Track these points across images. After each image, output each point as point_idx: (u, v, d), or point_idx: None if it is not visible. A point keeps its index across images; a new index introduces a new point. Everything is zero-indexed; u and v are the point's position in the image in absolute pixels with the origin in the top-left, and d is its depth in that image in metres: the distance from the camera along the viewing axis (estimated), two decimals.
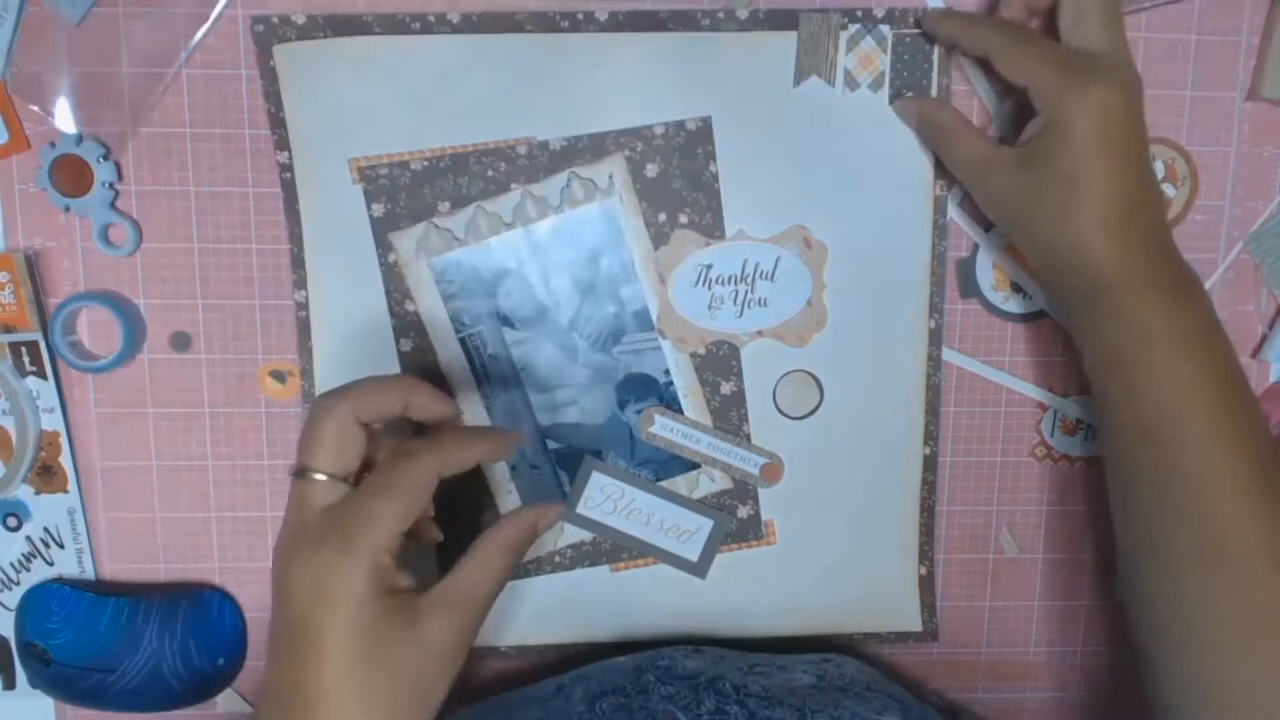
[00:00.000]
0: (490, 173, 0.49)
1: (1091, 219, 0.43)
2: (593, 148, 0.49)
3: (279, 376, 0.51)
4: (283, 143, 0.48)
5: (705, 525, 0.52)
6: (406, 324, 0.50)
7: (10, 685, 0.53)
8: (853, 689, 0.46)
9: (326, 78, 0.48)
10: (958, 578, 0.55)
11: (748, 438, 0.52)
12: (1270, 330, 0.54)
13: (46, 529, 0.52)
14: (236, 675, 0.53)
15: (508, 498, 0.52)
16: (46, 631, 0.51)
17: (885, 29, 0.49)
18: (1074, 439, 0.54)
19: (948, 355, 0.53)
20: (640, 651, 0.50)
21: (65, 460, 0.51)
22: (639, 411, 0.52)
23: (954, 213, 0.51)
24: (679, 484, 0.53)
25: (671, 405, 0.52)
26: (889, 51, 0.49)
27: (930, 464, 0.53)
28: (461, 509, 0.52)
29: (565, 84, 0.48)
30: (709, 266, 0.50)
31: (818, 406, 0.52)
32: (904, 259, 0.51)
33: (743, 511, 0.53)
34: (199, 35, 0.48)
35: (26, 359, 0.49)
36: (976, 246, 0.52)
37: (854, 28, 0.49)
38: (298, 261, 0.50)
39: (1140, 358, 0.43)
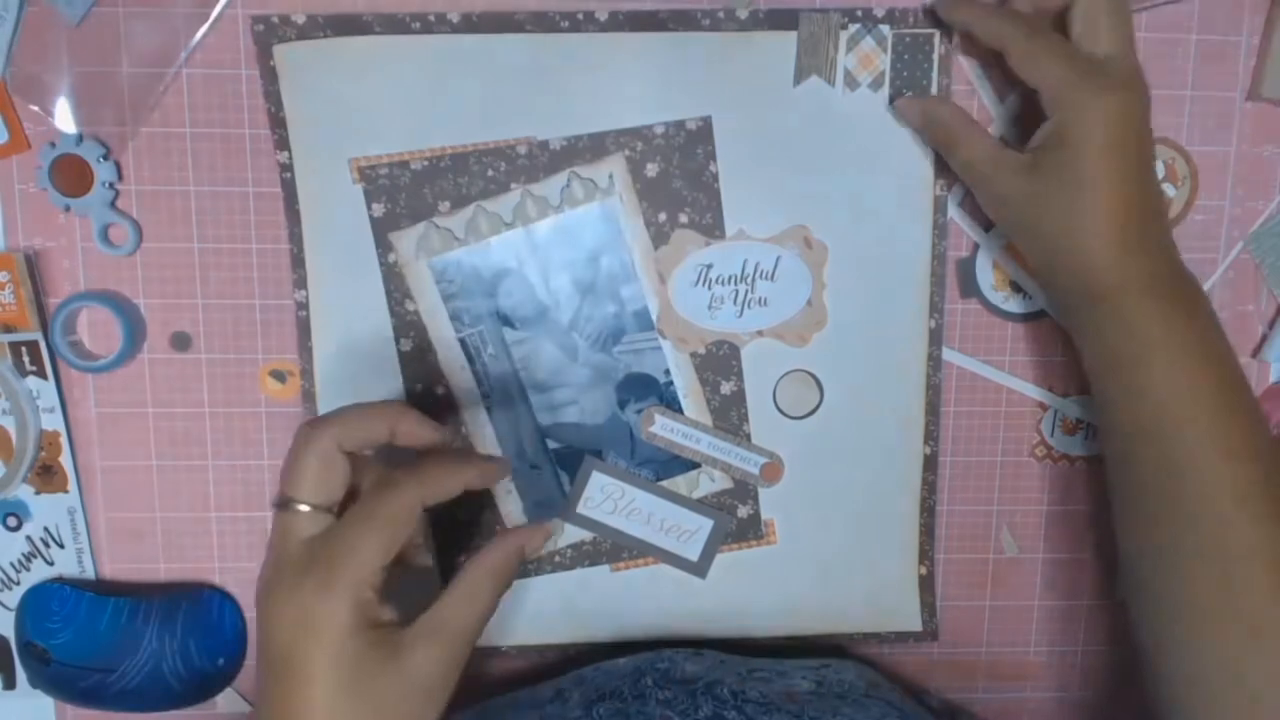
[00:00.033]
0: (490, 172, 0.49)
1: (1097, 225, 0.43)
2: (593, 147, 0.49)
3: (279, 376, 0.51)
4: (283, 142, 0.48)
5: (705, 525, 0.52)
6: (406, 324, 0.50)
7: (10, 685, 0.53)
8: (851, 695, 0.46)
9: (326, 77, 0.48)
10: (958, 577, 0.55)
11: (748, 437, 0.52)
12: (1270, 330, 0.54)
13: (46, 529, 0.52)
14: (236, 675, 0.53)
15: (508, 497, 0.52)
16: (47, 631, 0.51)
17: (885, 29, 0.49)
18: (1074, 439, 0.54)
19: (948, 355, 0.53)
20: (640, 652, 0.50)
21: (65, 460, 0.51)
22: (639, 411, 0.52)
23: (954, 212, 0.51)
24: (679, 484, 0.53)
25: (671, 405, 0.52)
26: (889, 51, 0.49)
27: (930, 464, 0.53)
28: (461, 509, 0.52)
29: (565, 84, 0.48)
30: (709, 266, 0.50)
31: (818, 406, 0.52)
32: (904, 259, 0.51)
33: (743, 511, 0.53)
34: (199, 35, 0.48)
35: (27, 359, 0.49)
36: (976, 246, 0.52)
37: (854, 27, 0.49)
38: (298, 261, 0.50)
39: (1140, 360, 0.44)
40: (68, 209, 0.48)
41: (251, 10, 0.47)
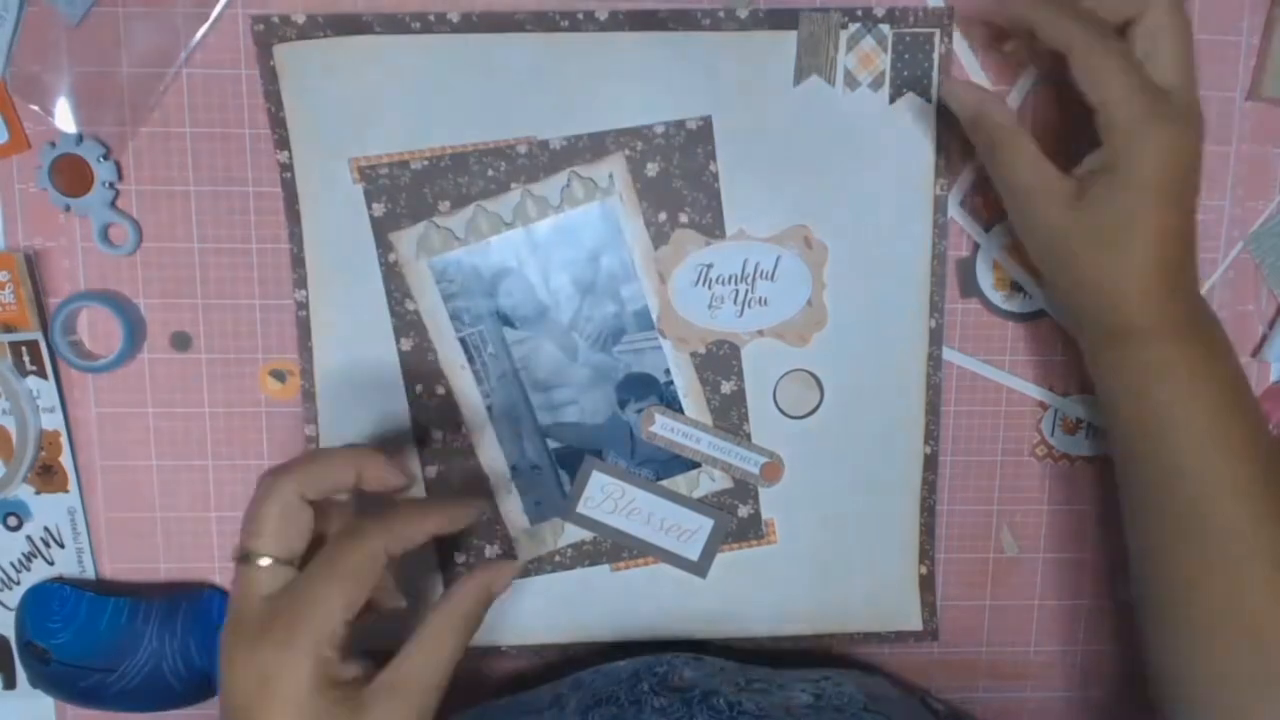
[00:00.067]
0: (490, 172, 0.49)
1: (1137, 266, 0.42)
2: (593, 147, 0.49)
3: (279, 376, 0.51)
4: (283, 142, 0.48)
5: (705, 525, 0.52)
6: (407, 323, 0.50)
7: (10, 685, 0.53)
8: (850, 709, 0.46)
9: (327, 77, 0.48)
10: (958, 577, 0.55)
11: (748, 437, 0.52)
12: (1270, 330, 0.54)
13: (47, 528, 0.52)
14: None
15: (508, 497, 0.52)
16: (47, 631, 0.51)
17: (885, 28, 0.49)
18: (1074, 438, 0.54)
19: (948, 354, 0.53)
20: (641, 652, 0.50)
21: (65, 460, 0.51)
22: (639, 411, 0.52)
23: (954, 212, 0.51)
24: (679, 483, 0.53)
25: (671, 405, 0.52)
26: (889, 51, 0.49)
27: (930, 463, 0.53)
28: None
29: (565, 83, 0.48)
30: (709, 266, 0.50)
31: (818, 406, 0.52)
32: (904, 258, 0.51)
33: (743, 511, 0.53)
34: (199, 35, 0.48)
35: (27, 358, 0.49)
36: (977, 246, 0.52)
37: (854, 27, 0.49)
38: (298, 261, 0.50)
39: (1162, 404, 0.43)
40: (68, 209, 0.48)
41: (251, 10, 0.47)
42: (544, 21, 0.48)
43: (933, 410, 0.53)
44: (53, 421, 0.50)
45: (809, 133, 0.50)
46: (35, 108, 0.48)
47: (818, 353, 0.52)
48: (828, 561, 0.54)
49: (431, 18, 0.47)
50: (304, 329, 0.50)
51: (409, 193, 0.49)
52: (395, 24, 0.47)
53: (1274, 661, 0.41)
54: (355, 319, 0.50)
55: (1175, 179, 0.41)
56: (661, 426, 0.51)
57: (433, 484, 0.52)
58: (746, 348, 0.51)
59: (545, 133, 0.49)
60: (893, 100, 0.49)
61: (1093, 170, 0.42)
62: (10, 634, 0.52)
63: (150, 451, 0.51)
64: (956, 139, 0.50)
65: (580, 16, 0.48)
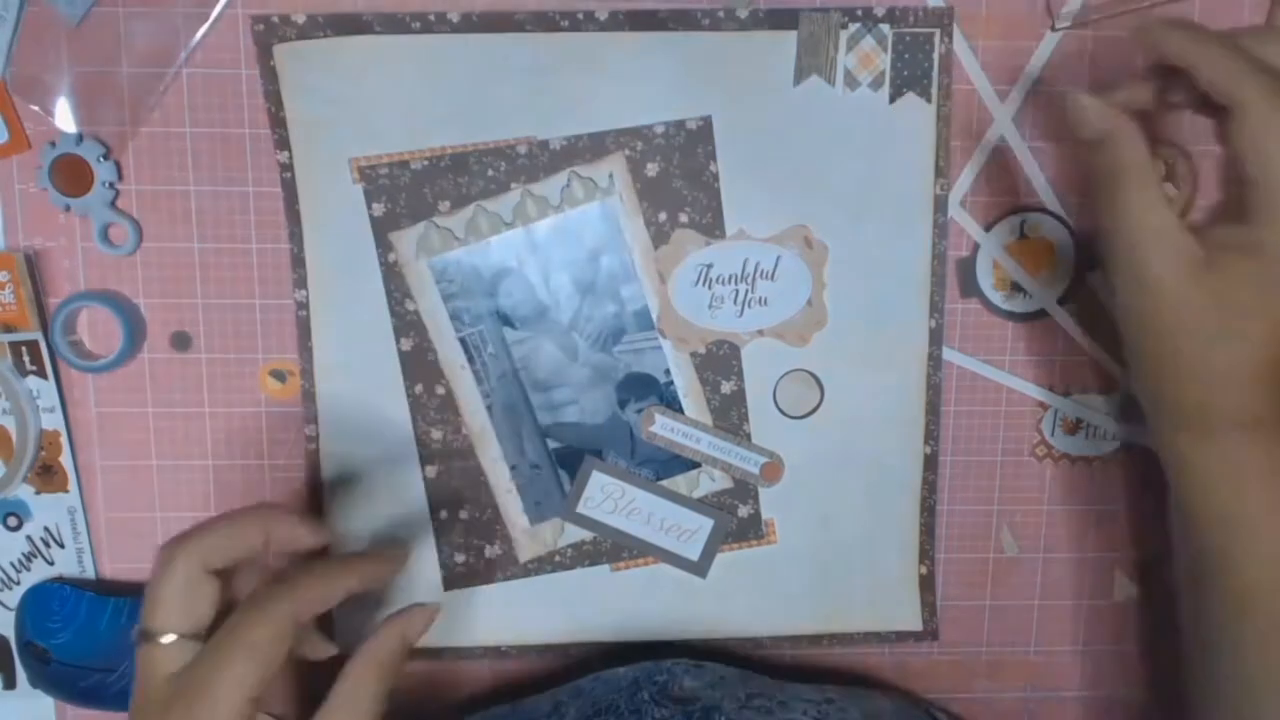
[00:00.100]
0: (490, 172, 0.49)
1: (1260, 356, 0.37)
2: (593, 147, 0.49)
3: (279, 376, 0.51)
4: (283, 142, 0.48)
5: (705, 525, 0.52)
6: (406, 323, 0.50)
7: (10, 685, 0.53)
8: None
9: (327, 77, 0.48)
10: (958, 577, 0.55)
11: (748, 437, 0.52)
12: None
13: (47, 528, 0.52)
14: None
15: (508, 497, 0.52)
16: (47, 631, 0.51)
17: (885, 28, 0.49)
18: (1075, 438, 0.54)
19: (948, 355, 0.53)
20: (641, 654, 0.50)
21: (65, 460, 0.51)
22: (639, 411, 0.52)
23: (954, 212, 0.51)
24: (679, 483, 0.53)
25: (671, 405, 0.52)
26: (889, 51, 0.49)
27: (930, 463, 0.53)
28: (464, 507, 0.52)
29: (565, 83, 0.48)
30: (709, 266, 0.50)
31: (818, 406, 0.52)
32: (904, 258, 0.51)
33: (743, 511, 0.53)
34: (199, 35, 0.48)
35: (27, 358, 0.49)
36: (977, 246, 0.52)
37: (854, 27, 0.49)
38: (298, 261, 0.50)
39: (1258, 498, 0.38)
40: (68, 209, 0.48)
41: (251, 10, 0.47)
42: (544, 21, 0.48)
43: (932, 410, 0.53)
44: (53, 421, 0.50)
45: (809, 133, 0.50)
46: (35, 108, 0.48)
47: (818, 353, 0.52)
48: (827, 561, 0.54)
49: (432, 18, 0.47)
50: (304, 329, 0.50)
51: (409, 193, 0.49)
52: (395, 24, 0.47)
53: None
54: (355, 319, 0.50)
55: None
56: (661, 426, 0.51)
57: (433, 484, 0.52)
58: (746, 348, 0.51)
59: (545, 133, 0.49)
60: (893, 100, 0.49)
61: (1231, 245, 0.37)
62: (10, 634, 0.52)
63: (150, 451, 0.51)
64: (956, 139, 0.50)
65: (580, 16, 0.48)
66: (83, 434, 0.51)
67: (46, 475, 0.51)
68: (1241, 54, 0.36)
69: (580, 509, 0.52)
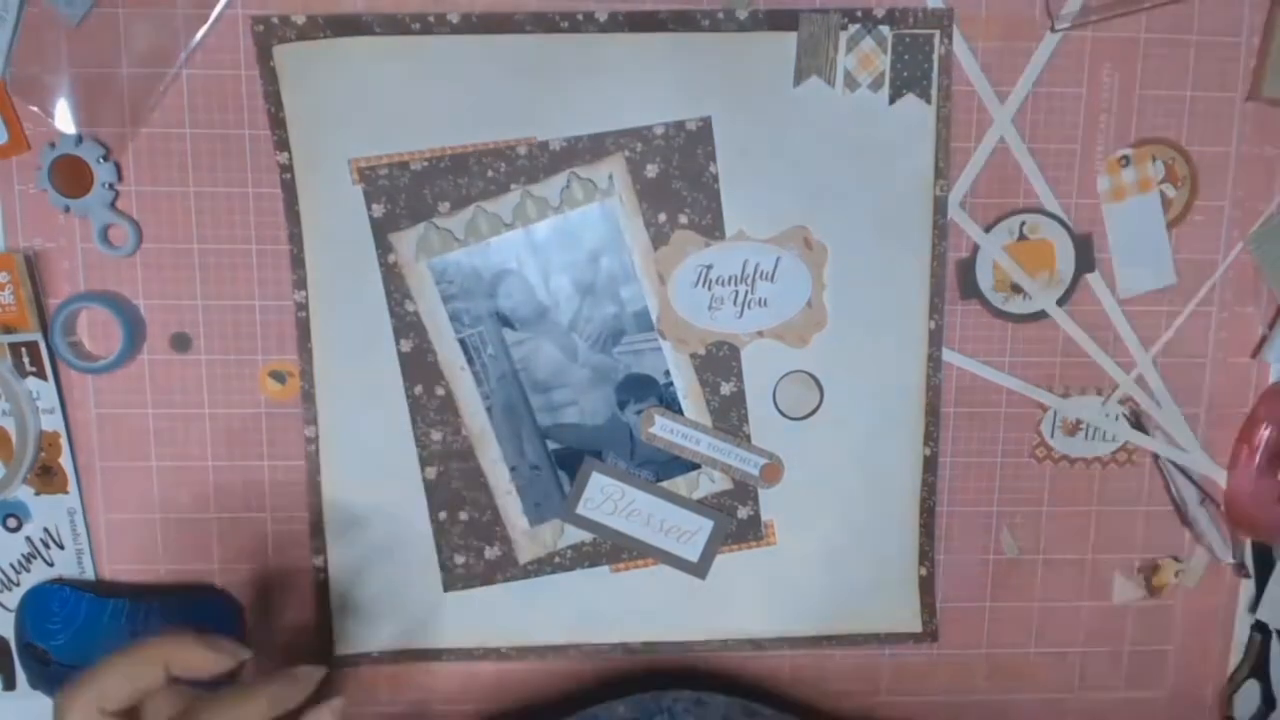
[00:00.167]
0: (490, 173, 0.49)
1: None
2: (592, 148, 0.49)
3: (279, 377, 0.51)
4: (282, 143, 0.48)
5: (705, 526, 0.52)
6: (406, 324, 0.50)
7: (10, 686, 0.53)
8: None
9: (326, 78, 0.48)
10: (958, 578, 0.55)
11: (748, 438, 0.52)
12: (1270, 331, 0.53)
13: (46, 529, 0.52)
14: (236, 677, 0.53)
15: (507, 499, 0.52)
16: (46, 632, 0.51)
17: (885, 29, 0.49)
18: (1074, 439, 0.54)
19: (948, 356, 0.53)
20: (641, 683, 0.49)
21: (65, 461, 0.51)
22: (639, 412, 0.52)
23: (954, 213, 0.51)
24: (679, 485, 0.52)
25: (671, 406, 0.52)
26: (889, 52, 0.49)
27: (930, 465, 0.53)
28: (465, 508, 0.52)
29: (565, 84, 0.48)
30: (709, 267, 0.50)
31: (818, 407, 0.52)
32: (904, 259, 0.51)
33: (743, 512, 0.53)
34: (199, 35, 0.48)
35: (26, 359, 0.49)
36: (976, 247, 0.52)
37: (854, 28, 0.49)
38: (297, 262, 0.50)
39: None
40: (67, 210, 0.48)
41: (251, 11, 0.47)
42: (544, 23, 0.48)
43: (932, 411, 0.53)
44: (52, 422, 0.50)
45: (809, 134, 0.50)
46: (35, 109, 0.48)
47: (817, 354, 0.52)
48: (827, 563, 0.54)
49: (431, 19, 0.47)
50: (304, 330, 0.50)
51: (409, 194, 0.49)
52: (395, 25, 0.47)
53: None
54: (355, 320, 0.50)
55: None
56: (661, 428, 0.51)
57: (433, 485, 0.52)
58: (746, 349, 0.51)
59: (545, 133, 0.49)
60: (892, 101, 0.49)
61: None
62: (10, 635, 0.52)
63: (150, 452, 0.51)
64: (956, 140, 0.50)
65: (580, 17, 0.48)
66: (82, 435, 0.51)
67: (46, 476, 0.51)
68: None
69: (580, 510, 0.52)
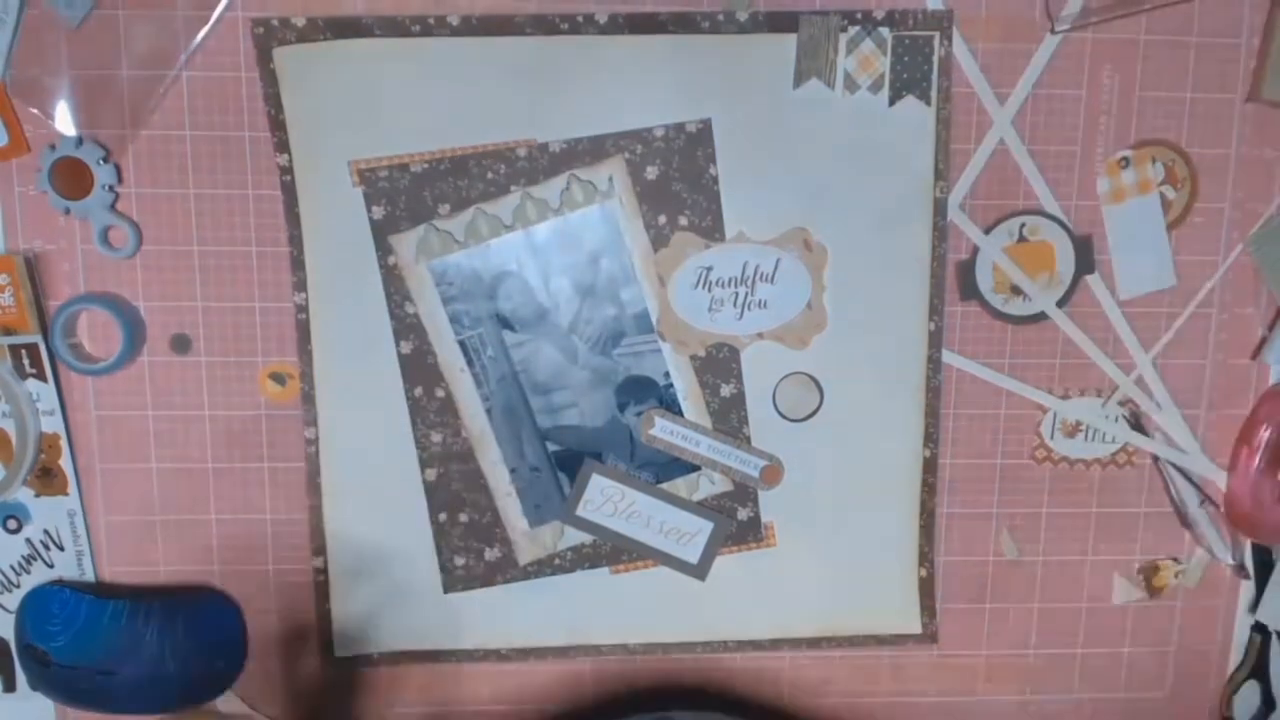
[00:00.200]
0: (490, 175, 0.49)
1: None
2: (592, 150, 0.49)
3: (278, 379, 0.51)
4: (282, 145, 0.48)
5: (705, 527, 0.52)
6: (406, 326, 0.50)
7: (10, 687, 0.53)
8: None
9: (326, 80, 0.48)
10: (957, 580, 0.55)
11: (747, 440, 0.52)
12: (1270, 332, 0.53)
13: (46, 531, 0.52)
14: (236, 677, 0.53)
15: (507, 500, 0.52)
16: (46, 634, 0.51)
17: (885, 31, 0.49)
18: (1074, 441, 0.54)
19: (947, 357, 0.52)
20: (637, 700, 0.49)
21: (65, 463, 0.51)
22: (639, 414, 0.52)
23: (954, 215, 0.51)
24: (679, 486, 0.52)
25: (671, 407, 0.52)
26: (889, 53, 0.49)
27: (930, 466, 0.53)
28: (465, 509, 0.52)
29: (565, 86, 0.48)
30: (709, 269, 0.50)
31: (818, 409, 0.52)
32: (904, 261, 0.51)
33: (742, 514, 0.53)
34: (199, 38, 0.48)
35: (27, 361, 0.49)
36: (976, 249, 0.52)
37: (854, 30, 0.49)
38: (297, 264, 0.50)
39: None
40: (68, 212, 0.48)
41: (251, 13, 0.47)
42: (543, 25, 0.48)
43: (932, 413, 0.53)
44: (52, 424, 0.50)
45: (809, 135, 0.49)
46: (35, 111, 0.48)
47: (817, 355, 0.52)
48: (827, 564, 0.54)
49: (431, 21, 0.47)
50: (304, 332, 0.50)
51: (409, 195, 0.49)
52: (395, 27, 0.47)
53: None
54: (355, 322, 0.50)
55: None
56: (661, 429, 0.51)
57: (432, 487, 0.52)
58: (746, 350, 0.51)
59: (545, 135, 0.49)
60: (892, 103, 0.49)
61: None
62: (10, 636, 0.52)
63: (150, 454, 0.51)
64: (956, 142, 0.50)
65: (580, 19, 0.48)
66: (82, 437, 0.51)
67: (46, 478, 0.51)
68: None
69: (580, 512, 0.52)
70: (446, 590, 0.53)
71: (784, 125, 0.49)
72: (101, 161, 0.48)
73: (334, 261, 0.50)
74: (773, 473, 0.52)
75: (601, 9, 0.48)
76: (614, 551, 0.53)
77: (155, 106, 0.48)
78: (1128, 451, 0.54)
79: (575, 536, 0.53)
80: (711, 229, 0.50)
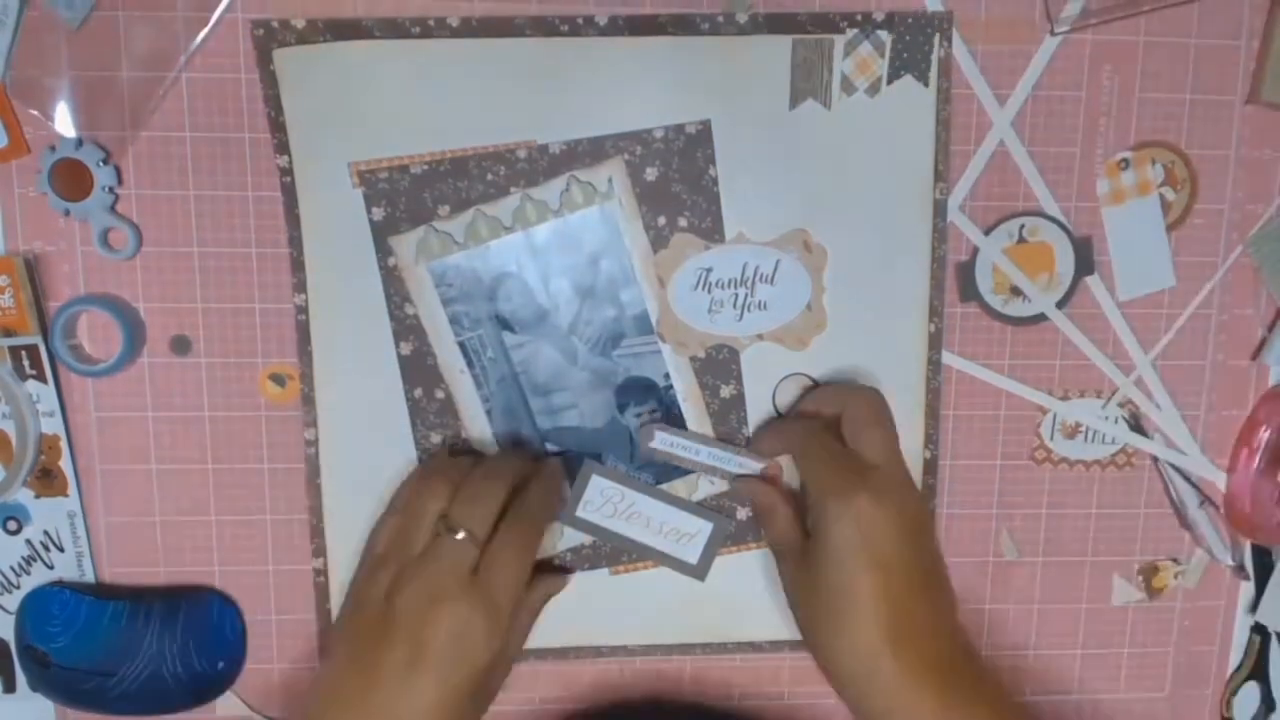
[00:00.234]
0: (490, 176, 0.49)
1: (864, 639, 0.43)
2: (592, 151, 0.49)
3: (278, 380, 0.51)
4: (282, 146, 0.48)
5: (705, 528, 0.52)
6: (406, 327, 0.50)
7: (10, 688, 0.53)
8: None
9: (326, 82, 0.48)
10: (957, 581, 0.55)
11: (747, 441, 0.52)
12: (1270, 333, 0.54)
13: (46, 532, 0.52)
14: (236, 678, 0.53)
15: None
16: (46, 635, 0.51)
17: (883, 34, 0.49)
18: (1074, 442, 0.54)
19: (947, 359, 0.53)
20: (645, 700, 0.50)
21: (65, 464, 0.51)
22: (639, 415, 0.52)
23: (954, 216, 0.51)
24: (678, 487, 0.53)
25: (671, 408, 0.52)
26: (886, 56, 0.49)
27: (930, 467, 0.53)
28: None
29: (564, 88, 0.48)
30: (709, 270, 0.50)
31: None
32: (903, 262, 0.51)
33: (742, 514, 0.53)
34: (199, 39, 0.48)
35: (26, 362, 0.49)
36: (976, 250, 0.52)
37: (852, 32, 0.49)
38: (297, 265, 0.50)
39: None
40: (67, 213, 0.48)
41: (251, 14, 0.47)
42: (543, 26, 0.48)
43: (932, 414, 0.53)
44: (52, 425, 0.50)
45: (808, 136, 0.50)
46: (35, 112, 0.48)
47: (817, 356, 0.52)
48: None
49: (431, 22, 0.47)
50: (303, 333, 0.50)
51: (408, 197, 0.49)
52: (395, 29, 0.47)
53: None
54: (355, 323, 0.50)
55: (876, 548, 0.43)
56: (661, 442, 0.51)
57: None
58: (746, 352, 0.51)
59: (545, 137, 0.49)
60: (891, 105, 0.49)
61: (810, 534, 0.46)
62: (10, 637, 0.52)
63: (150, 455, 0.51)
64: (956, 143, 0.50)
65: (580, 21, 0.48)
66: (82, 438, 0.51)
67: (46, 479, 0.51)
68: (792, 422, 0.50)
69: (579, 513, 0.52)
70: None
71: (783, 126, 0.49)
72: (101, 163, 0.48)
73: (334, 263, 0.50)
74: (774, 473, 0.52)
75: (601, 11, 0.48)
76: (613, 552, 0.53)
77: (155, 108, 0.48)
78: (1127, 452, 0.54)
79: (574, 537, 0.53)
80: (711, 230, 0.50)
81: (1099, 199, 0.52)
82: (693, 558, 0.53)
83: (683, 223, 0.50)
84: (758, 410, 0.52)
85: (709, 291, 0.51)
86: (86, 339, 0.50)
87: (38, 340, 0.49)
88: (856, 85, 0.49)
